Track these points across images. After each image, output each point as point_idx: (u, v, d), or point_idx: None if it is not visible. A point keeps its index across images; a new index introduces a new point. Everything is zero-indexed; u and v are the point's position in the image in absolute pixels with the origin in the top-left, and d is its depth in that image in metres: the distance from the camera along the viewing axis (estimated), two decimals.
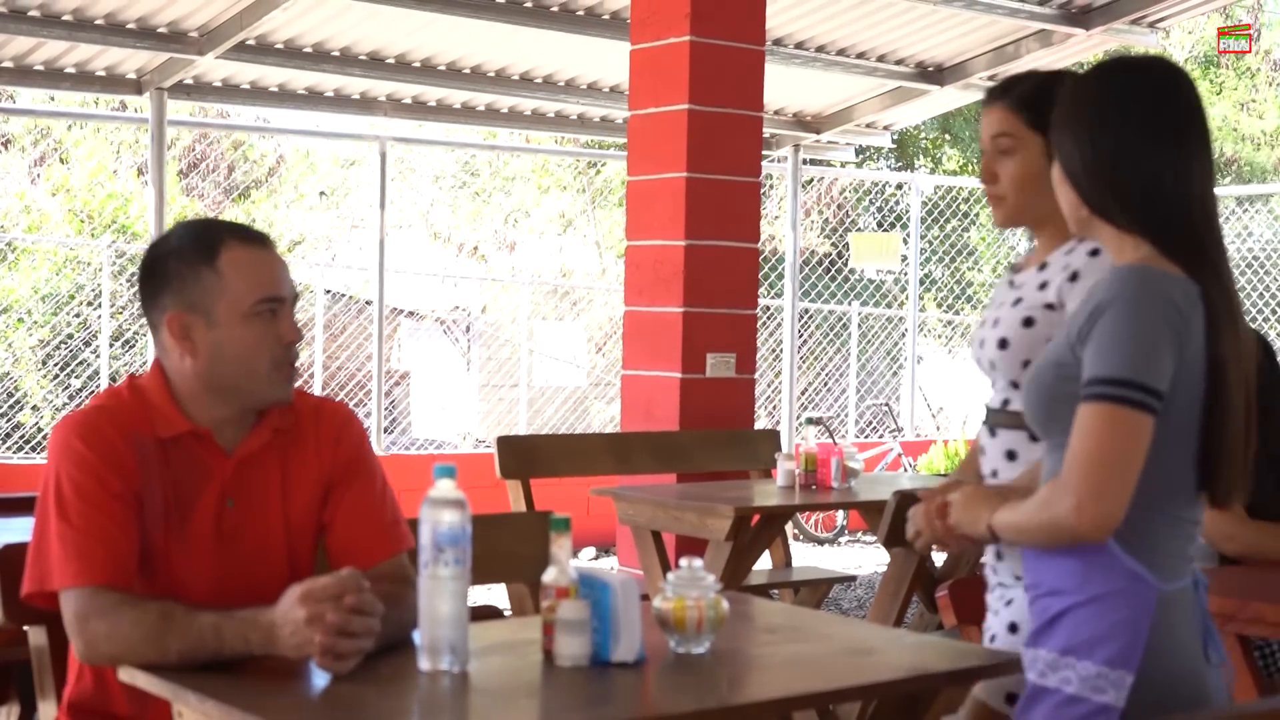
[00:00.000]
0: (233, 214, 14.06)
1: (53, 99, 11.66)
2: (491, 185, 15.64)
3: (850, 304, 13.27)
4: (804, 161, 10.19)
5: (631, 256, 6.35)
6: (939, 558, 4.50)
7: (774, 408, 12.31)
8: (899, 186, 15.08)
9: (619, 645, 2.19)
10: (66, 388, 10.85)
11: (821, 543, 9.77)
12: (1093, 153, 2.15)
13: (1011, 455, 2.67)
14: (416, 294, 14.37)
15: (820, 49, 8.67)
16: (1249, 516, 3.31)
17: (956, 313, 15.89)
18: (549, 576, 2.21)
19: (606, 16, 7.79)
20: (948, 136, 17.23)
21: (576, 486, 6.22)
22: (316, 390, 10.79)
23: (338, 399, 3.35)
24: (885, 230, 15.27)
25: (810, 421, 5.46)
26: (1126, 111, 2.14)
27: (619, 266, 13.70)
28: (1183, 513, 2.13)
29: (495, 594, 6.37)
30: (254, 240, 2.41)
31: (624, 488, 5.35)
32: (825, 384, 13.30)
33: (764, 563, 5.77)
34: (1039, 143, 2.63)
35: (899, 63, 9.05)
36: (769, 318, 11.76)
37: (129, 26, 7.27)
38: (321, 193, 15.46)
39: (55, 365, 10.89)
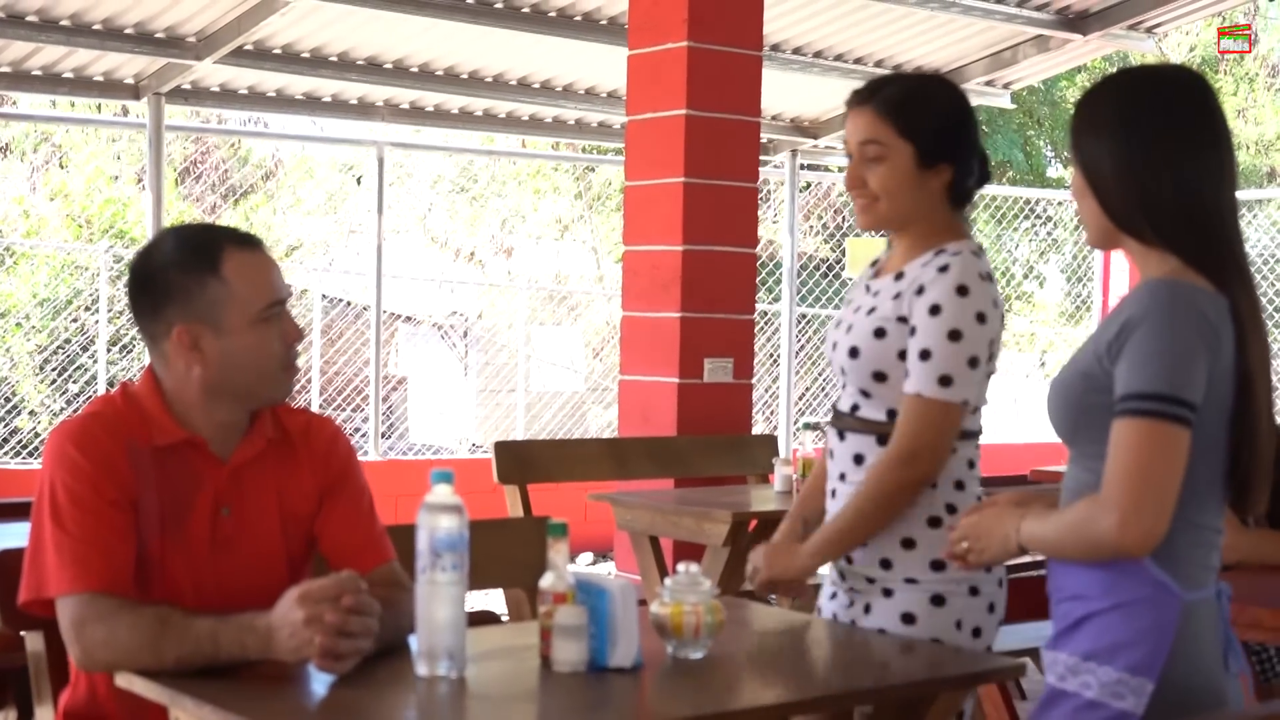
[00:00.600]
0: (230, 219, 14.05)
1: (54, 104, 11.67)
2: (489, 190, 15.63)
3: None
4: (801, 166, 10.19)
5: (629, 261, 6.34)
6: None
7: (771, 413, 12.29)
8: None
9: (616, 650, 2.19)
10: (64, 393, 10.83)
11: None
12: (1126, 163, 2.13)
13: (859, 459, 2.68)
14: (414, 299, 14.37)
15: (818, 54, 8.67)
16: (1270, 527, 3.33)
17: None
18: (546, 582, 2.21)
19: (604, 22, 7.79)
20: None
21: (574, 491, 6.21)
22: (314, 395, 10.80)
23: (335, 404, 3.35)
24: (882, 235, 15.24)
25: (808, 426, 5.43)
26: (1159, 121, 2.13)
27: (616, 271, 13.68)
28: (1208, 522, 2.13)
29: (493, 599, 6.36)
30: (251, 244, 2.42)
31: (621, 493, 5.34)
32: (823, 389, 13.29)
33: None
34: (907, 148, 2.62)
35: (896, 68, 9.05)
36: (767, 323, 11.76)
37: (127, 31, 7.27)
38: (329, 196, 15.44)
39: (53, 370, 10.87)
